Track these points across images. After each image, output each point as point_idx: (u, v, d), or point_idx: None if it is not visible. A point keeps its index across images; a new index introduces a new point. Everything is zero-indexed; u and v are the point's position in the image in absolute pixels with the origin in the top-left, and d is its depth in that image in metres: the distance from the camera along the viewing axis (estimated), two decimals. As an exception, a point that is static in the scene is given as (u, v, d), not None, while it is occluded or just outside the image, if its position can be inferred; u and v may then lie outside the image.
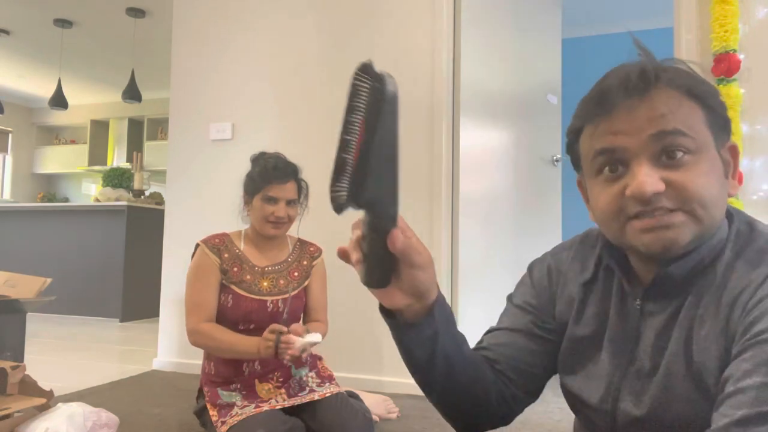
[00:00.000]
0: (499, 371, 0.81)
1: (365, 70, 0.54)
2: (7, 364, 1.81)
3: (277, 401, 1.73)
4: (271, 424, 1.58)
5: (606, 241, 0.75)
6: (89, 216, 5.20)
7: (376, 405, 2.11)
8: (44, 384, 1.89)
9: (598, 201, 0.69)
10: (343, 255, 0.62)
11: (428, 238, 2.58)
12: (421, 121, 2.64)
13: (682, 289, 0.68)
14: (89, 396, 2.43)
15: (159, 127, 7.90)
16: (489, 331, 0.88)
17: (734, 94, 2.20)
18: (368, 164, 0.54)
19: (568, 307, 0.80)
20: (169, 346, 3.07)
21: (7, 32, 5.62)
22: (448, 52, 2.65)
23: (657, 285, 0.69)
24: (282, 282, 1.86)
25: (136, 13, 5.01)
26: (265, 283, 1.83)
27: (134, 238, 5.02)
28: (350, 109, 0.53)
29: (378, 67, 0.54)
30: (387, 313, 0.69)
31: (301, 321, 1.90)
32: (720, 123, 0.67)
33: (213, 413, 1.72)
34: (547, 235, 3.19)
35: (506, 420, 0.82)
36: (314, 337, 1.63)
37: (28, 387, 1.85)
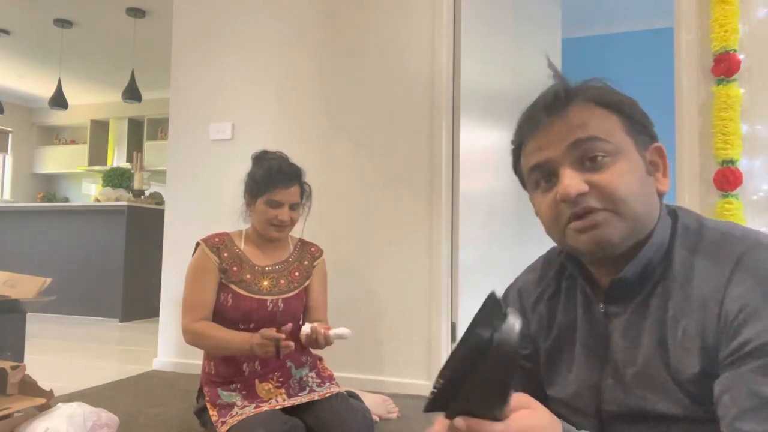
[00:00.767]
0: None
1: (488, 303, 0.51)
2: (7, 364, 1.81)
3: (277, 401, 1.73)
4: (271, 424, 1.58)
5: (568, 251, 0.80)
6: (89, 216, 5.20)
7: (376, 405, 2.11)
8: (44, 384, 1.89)
9: (540, 212, 0.76)
10: None
11: (428, 238, 2.58)
12: (421, 121, 2.64)
13: (640, 288, 0.73)
14: (89, 396, 2.43)
15: (159, 127, 7.90)
16: None
17: (734, 94, 2.19)
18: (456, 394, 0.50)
19: (540, 326, 0.84)
20: (169, 346, 3.07)
21: (7, 32, 5.63)
22: (448, 52, 2.65)
23: (615, 288, 0.74)
24: (283, 282, 1.85)
25: (136, 13, 5.01)
26: (266, 283, 1.83)
27: (134, 238, 5.02)
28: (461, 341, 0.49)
29: (504, 308, 0.51)
30: None
31: (301, 321, 1.90)
32: (638, 128, 0.73)
33: (213, 413, 1.72)
34: (547, 235, 3.18)
35: None
36: (343, 330, 1.63)
37: (28, 387, 1.85)
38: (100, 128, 8.23)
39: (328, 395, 1.74)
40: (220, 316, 1.79)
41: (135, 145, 7.86)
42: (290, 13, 2.96)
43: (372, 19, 2.79)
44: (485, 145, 2.89)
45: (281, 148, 1.96)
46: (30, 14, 5.17)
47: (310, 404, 1.73)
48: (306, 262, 1.93)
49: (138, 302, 4.98)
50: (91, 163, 8.06)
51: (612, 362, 0.73)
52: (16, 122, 8.29)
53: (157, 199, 5.49)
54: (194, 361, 2.56)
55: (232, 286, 1.79)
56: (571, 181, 0.69)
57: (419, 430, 2.06)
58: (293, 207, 1.82)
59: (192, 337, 1.76)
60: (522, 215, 3.08)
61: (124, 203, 5.05)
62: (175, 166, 3.14)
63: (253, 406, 1.69)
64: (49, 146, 8.61)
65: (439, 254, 2.56)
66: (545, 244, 0.97)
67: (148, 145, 7.85)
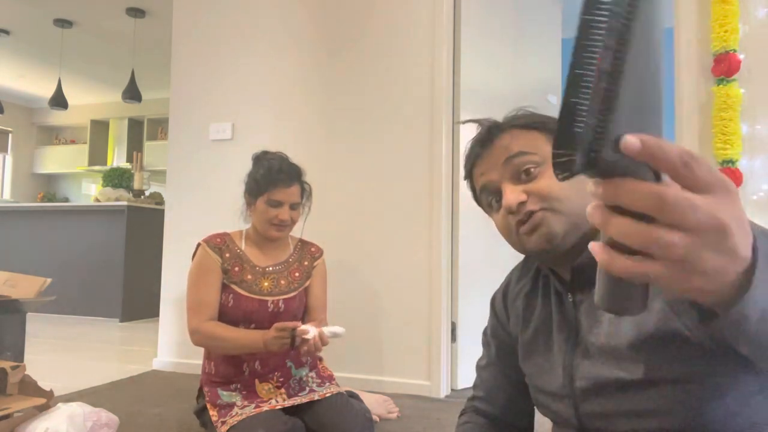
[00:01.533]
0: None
1: None
2: (7, 364, 1.81)
3: (277, 401, 1.73)
4: (271, 424, 1.58)
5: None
6: (89, 216, 5.20)
7: (376, 405, 2.11)
8: (44, 384, 1.89)
9: (498, 228, 0.85)
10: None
11: (428, 238, 2.58)
12: (421, 121, 2.64)
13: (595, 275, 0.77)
14: (89, 396, 2.43)
15: (159, 127, 7.90)
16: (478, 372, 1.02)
17: (734, 94, 2.20)
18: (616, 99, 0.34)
19: (517, 319, 0.93)
20: (169, 346, 3.07)
21: (7, 32, 5.63)
22: (448, 52, 2.65)
23: (575, 279, 0.81)
24: (283, 282, 1.86)
25: (136, 13, 5.01)
26: (266, 283, 1.83)
27: (134, 238, 5.02)
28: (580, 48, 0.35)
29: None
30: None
31: (301, 321, 1.90)
32: None
33: (213, 413, 1.72)
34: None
35: None
36: (337, 329, 1.63)
37: (28, 387, 1.85)
38: (100, 128, 8.23)
39: (328, 395, 1.74)
40: (220, 316, 1.79)
41: (135, 145, 7.86)
42: (290, 12, 2.96)
43: (372, 18, 2.79)
44: (485, 145, 2.89)
45: (281, 148, 1.96)
46: (30, 14, 5.17)
47: (310, 404, 1.73)
48: (306, 263, 1.93)
49: (138, 302, 4.98)
50: (91, 163, 8.06)
51: (582, 344, 0.80)
52: (16, 122, 8.29)
53: (157, 199, 5.49)
54: (194, 361, 2.56)
55: (233, 287, 1.79)
56: (511, 193, 0.79)
57: (419, 430, 2.06)
58: (293, 206, 1.82)
59: (201, 338, 1.75)
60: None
61: (124, 203, 5.05)
62: (175, 166, 3.14)
63: (253, 406, 1.69)
64: (49, 146, 8.62)
65: (439, 254, 2.56)
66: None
67: (148, 145, 7.85)
